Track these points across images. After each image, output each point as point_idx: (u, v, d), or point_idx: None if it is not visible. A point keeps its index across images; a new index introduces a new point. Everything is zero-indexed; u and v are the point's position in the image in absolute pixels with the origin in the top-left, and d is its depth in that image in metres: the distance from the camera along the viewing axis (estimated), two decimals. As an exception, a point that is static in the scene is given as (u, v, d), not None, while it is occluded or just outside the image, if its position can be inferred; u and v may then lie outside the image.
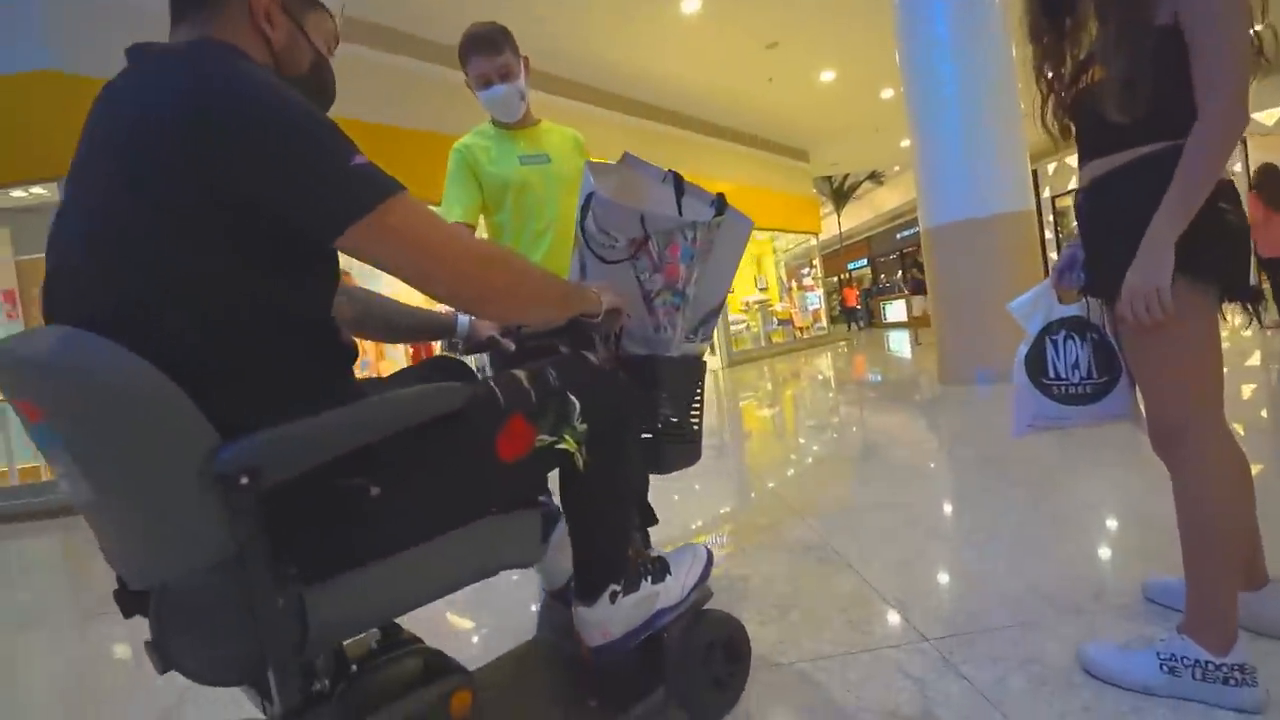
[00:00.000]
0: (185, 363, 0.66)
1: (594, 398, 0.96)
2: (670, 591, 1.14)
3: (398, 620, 0.90)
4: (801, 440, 4.19)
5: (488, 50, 1.61)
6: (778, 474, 3.22)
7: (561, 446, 0.91)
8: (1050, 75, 1.15)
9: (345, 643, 0.89)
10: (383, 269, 0.74)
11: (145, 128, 0.67)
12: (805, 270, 14.39)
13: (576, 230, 1.20)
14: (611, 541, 1.07)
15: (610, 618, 1.05)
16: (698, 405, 1.31)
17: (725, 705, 1.22)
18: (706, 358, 1.36)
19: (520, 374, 0.92)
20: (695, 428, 1.30)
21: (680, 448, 1.29)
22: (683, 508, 2.76)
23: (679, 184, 1.18)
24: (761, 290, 13.23)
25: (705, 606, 1.22)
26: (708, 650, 1.18)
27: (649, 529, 1.44)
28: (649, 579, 1.12)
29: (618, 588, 1.06)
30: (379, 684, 0.83)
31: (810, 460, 3.48)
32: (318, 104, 0.86)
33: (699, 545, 1.25)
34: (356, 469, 0.74)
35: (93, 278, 0.69)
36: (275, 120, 0.68)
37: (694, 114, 10.01)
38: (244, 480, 0.62)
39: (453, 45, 1.73)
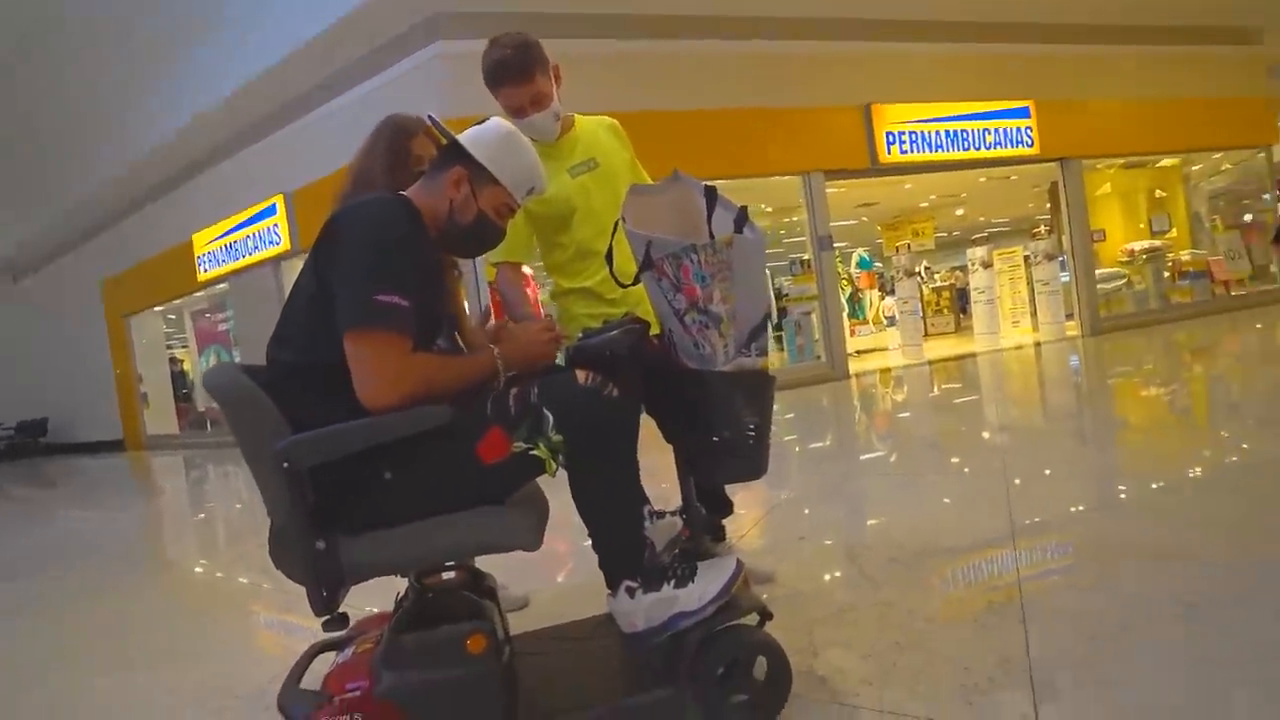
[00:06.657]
0: (281, 382, 1.05)
1: (569, 412, 1.08)
2: (689, 597, 1.18)
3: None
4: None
5: (516, 79, 1.47)
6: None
7: (534, 453, 1.07)
8: None
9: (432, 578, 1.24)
10: None
11: None
12: (1249, 202, 10.31)
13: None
14: (615, 538, 1.18)
15: (633, 611, 1.16)
16: (755, 420, 1.27)
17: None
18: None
19: (513, 392, 1.10)
20: (751, 442, 1.28)
21: (732, 461, 1.29)
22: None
23: (710, 198, 1.15)
24: (1161, 234, 9.97)
25: (754, 624, 1.22)
26: (728, 664, 1.19)
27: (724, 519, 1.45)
28: (672, 582, 1.18)
29: (633, 584, 1.17)
30: (428, 612, 1.14)
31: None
32: (474, 246, 1.27)
33: (731, 557, 1.24)
34: (379, 458, 1.05)
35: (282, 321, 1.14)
36: (358, 237, 1.05)
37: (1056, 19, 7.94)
38: (285, 464, 0.97)
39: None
